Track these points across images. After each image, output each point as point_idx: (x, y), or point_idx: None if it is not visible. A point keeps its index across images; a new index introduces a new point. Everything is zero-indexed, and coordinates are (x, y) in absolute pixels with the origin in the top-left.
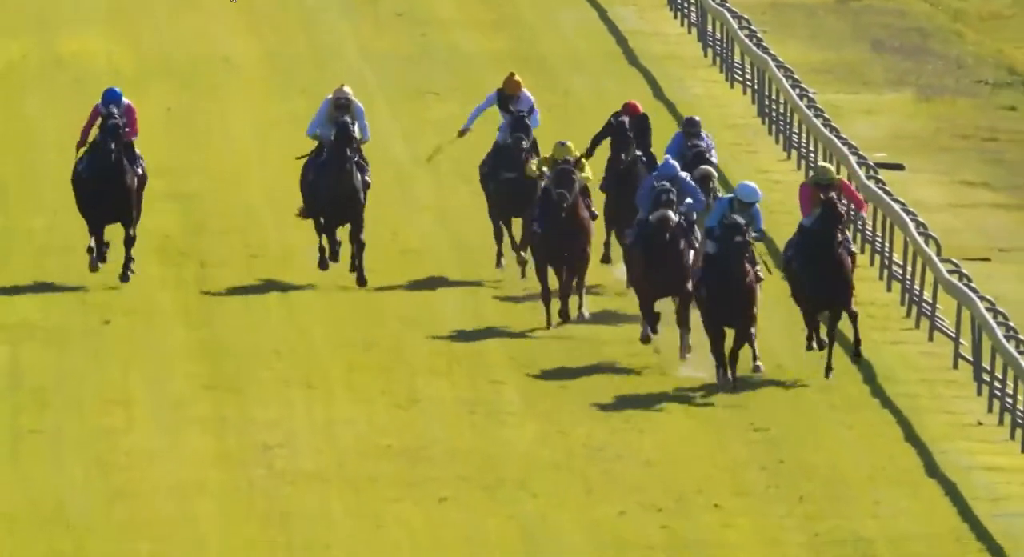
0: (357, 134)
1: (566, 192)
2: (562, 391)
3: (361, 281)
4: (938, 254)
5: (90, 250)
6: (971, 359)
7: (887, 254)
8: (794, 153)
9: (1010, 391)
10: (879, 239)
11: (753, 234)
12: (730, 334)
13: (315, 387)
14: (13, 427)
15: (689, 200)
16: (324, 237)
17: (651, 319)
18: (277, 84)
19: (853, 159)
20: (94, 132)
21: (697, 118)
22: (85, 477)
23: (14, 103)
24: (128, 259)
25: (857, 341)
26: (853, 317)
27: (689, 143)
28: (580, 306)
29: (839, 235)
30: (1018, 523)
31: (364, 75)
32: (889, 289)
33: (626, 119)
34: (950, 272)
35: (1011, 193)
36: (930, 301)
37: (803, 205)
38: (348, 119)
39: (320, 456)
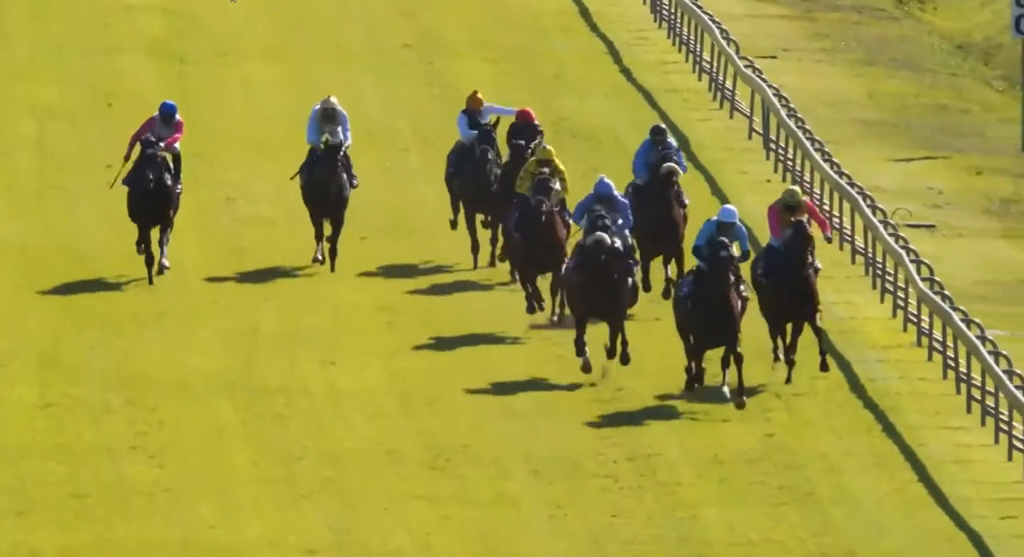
0: (342, 138)
1: (544, 198)
2: None
3: (332, 267)
4: (737, 53)
5: (138, 243)
6: (761, 132)
7: (698, 53)
8: None
9: (791, 156)
10: (693, 42)
11: (739, 253)
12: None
13: (268, 153)
14: (39, 183)
15: (620, 220)
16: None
17: (580, 343)
18: None
19: None
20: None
21: (663, 126)
22: (93, 221)
23: None
24: (161, 253)
25: (823, 352)
26: (818, 333)
27: (658, 148)
28: (554, 306)
29: (809, 256)
30: None
31: None
32: (700, 79)
33: (523, 142)
34: (746, 66)
35: (792, 7)
36: (731, 88)
37: (772, 226)
38: (338, 140)
39: (272, 207)
